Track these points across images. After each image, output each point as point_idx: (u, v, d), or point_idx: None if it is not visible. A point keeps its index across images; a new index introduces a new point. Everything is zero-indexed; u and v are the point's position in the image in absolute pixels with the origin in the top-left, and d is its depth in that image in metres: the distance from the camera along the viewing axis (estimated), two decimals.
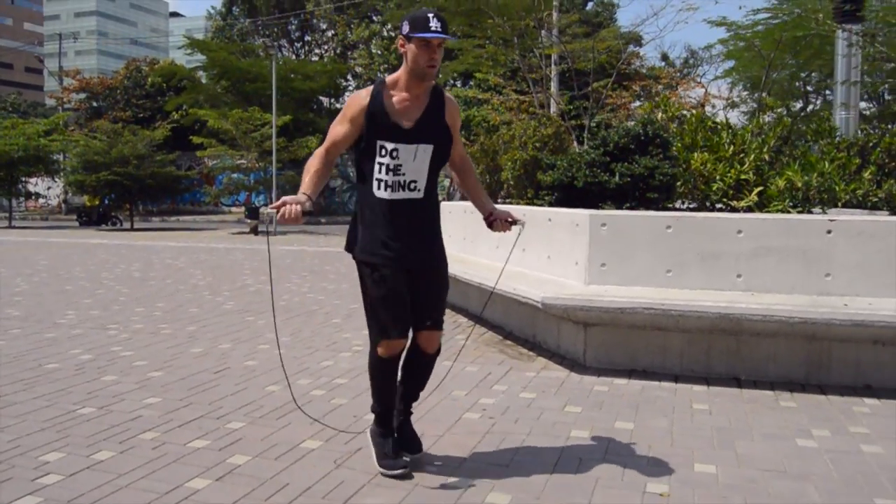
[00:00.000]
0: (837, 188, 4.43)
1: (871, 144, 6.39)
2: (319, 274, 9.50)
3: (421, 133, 2.71)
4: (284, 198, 2.59)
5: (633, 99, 24.30)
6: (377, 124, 2.68)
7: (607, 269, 4.57)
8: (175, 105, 29.15)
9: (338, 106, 33.66)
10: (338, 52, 36.16)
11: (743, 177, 4.63)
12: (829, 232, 4.22)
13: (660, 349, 4.48)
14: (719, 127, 5.07)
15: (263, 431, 3.32)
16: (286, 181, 22.36)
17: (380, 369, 2.83)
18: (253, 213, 19.42)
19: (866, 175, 5.69)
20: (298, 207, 2.56)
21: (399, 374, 2.92)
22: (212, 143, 20.88)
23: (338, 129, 2.77)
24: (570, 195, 5.13)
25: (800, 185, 4.36)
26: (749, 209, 4.52)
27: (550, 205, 5.33)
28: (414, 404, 3.07)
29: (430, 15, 2.60)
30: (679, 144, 4.82)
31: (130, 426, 3.37)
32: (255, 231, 18.69)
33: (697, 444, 3.23)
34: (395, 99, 2.71)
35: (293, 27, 38.11)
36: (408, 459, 2.88)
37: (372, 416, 2.99)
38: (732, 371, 4.35)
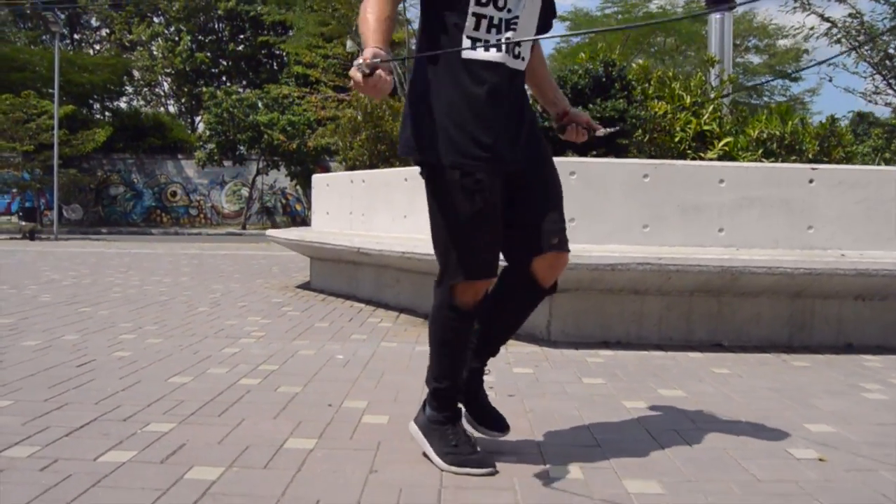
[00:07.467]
0: (805, 140, 4.20)
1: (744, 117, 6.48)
2: (143, 270, 7.86)
3: None
4: (367, 52, 1.59)
5: None
6: None
7: (576, 224, 3.92)
8: None
9: (115, 105, 30.12)
10: (112, 53, 32.39)
11: (706, 127, 4.26)
12: (811, 181, 3.93)
13: (636, 316, 3.91)
14: (668, 78, 4.71)
15: (214, 433, 2.19)
16: (68, 180, 19.30)
17: (454, 326, 1.90)
18: (28, 214, 16.36)
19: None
20: (389, 77, 1.59)
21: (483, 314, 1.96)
22: None
23: None
24: None
25: (778, 133, 4.07)
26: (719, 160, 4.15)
27: None
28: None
29: None
30: (637, 90, 4.35)
31: None
32: (30, 235, 15.72)
33: (775, 405, 2.66)
34: None
35: (62, 22, 33.41)
36: (479, 450, 1.94)
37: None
38: (714, 336, 3.90)
